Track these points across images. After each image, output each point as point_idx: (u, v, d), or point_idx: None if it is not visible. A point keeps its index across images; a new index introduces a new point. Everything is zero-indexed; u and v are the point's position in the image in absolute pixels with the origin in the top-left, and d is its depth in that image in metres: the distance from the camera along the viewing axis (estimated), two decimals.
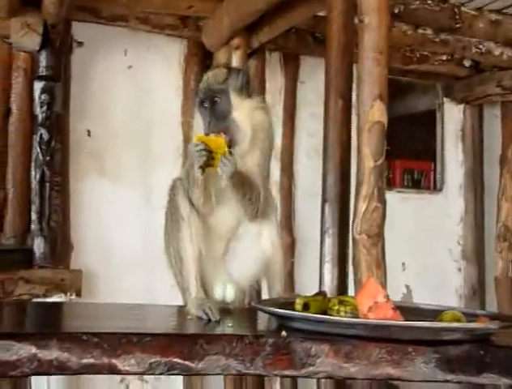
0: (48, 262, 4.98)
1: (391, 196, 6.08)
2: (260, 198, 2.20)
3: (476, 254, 6.57)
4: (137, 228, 5.31)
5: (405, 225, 6.07)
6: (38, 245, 5.00)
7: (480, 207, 6.63)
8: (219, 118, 2.12)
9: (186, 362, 1.71)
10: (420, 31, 5.80)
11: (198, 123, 2.21)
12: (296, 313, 1.85)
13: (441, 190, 6.61)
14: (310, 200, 5.17)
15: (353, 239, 3.33)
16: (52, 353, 1.65)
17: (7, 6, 4.75)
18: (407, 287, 6.25)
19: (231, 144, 2.09)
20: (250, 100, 2.21)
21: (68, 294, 4.87)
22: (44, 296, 4.75)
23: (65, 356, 1.66)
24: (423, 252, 6.27)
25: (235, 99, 2.16)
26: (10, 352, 1.63)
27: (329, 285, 3.52)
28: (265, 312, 1.95)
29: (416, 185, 6.61)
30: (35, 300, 4.66)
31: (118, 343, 1.69)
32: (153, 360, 1.70)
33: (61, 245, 5.11)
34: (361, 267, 3.26)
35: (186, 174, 2.15)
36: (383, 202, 3.36)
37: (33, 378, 4.21)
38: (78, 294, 4.94)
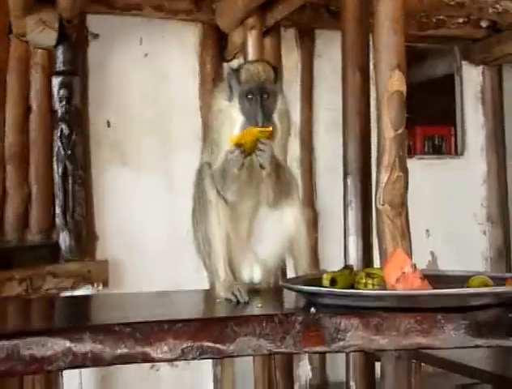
0: (74, 255, 5.04)
1: (412, 163, 6.03)
2: (285, 180, 2.22)
3: (501, 217, 6.52)
4: (160, 215, 5.35)
5: (428, 192, 6.05)
6: (63, 239, 5.06)
7: (502, 169, 6.57)
8: (264, 115, 2.13)
9: (217, 345, 1.73)
10: None
11: (229, 112, 2.19)
12: (322, 289, 1.87)
13: (462, 154, 6.57)
14: (331, 174, 5.18)
15: (376, 210, 3.32)
16: (86, 346, 1.68)
17: (22, 5, 4.76)
18: (433, 254, 6.23)
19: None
20: (283, 100, 2.26)
21: (95, 285, 4.93)
22: (72, 289, 4.81)
23: (98, 348, 1.69)
24: (447, 218, 6.24)
25: (280, 101, 2.21)
26: (45, 347, 1.66)
27: (354, 258, 3.52)
28: (292, 290, 1.96)
29: (437, 150, 6.58)
30: (63, 293, 4.72)
31: (150, 331, 1.71)
32: (185, 345, 1.72)
33: (86, 238, 5.16)
34: (386, 237, 3.24)
35: (221, 172, 2.16)
36: (405, 171, 3.34)
37: None
38: (106, 285, 5.00)
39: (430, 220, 6.13)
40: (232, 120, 2.18)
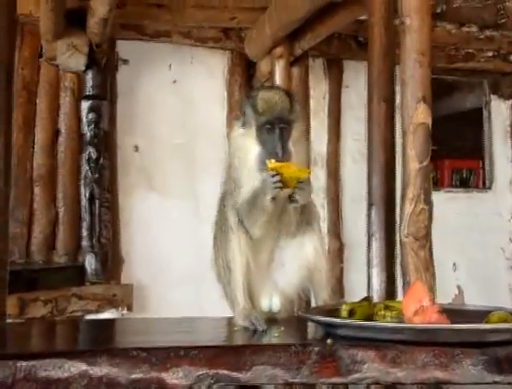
0: (99, 277, 5.08)
1: (440, 196, 6.07)
2: (307, 210, 2.22)
3: None
4: (186, 241, 5.37)
5: (455, 225, 6.02)
6: (89, 262, 5.11)
7: None
8: (282, 146, 2.12)
9: (233, 373, 1.73)
10: (465, 29, 5.76)
11: (246, 142, 2.19)
12: (339, 320, 1.86)
13: (490, 187, 6.53)
14: (357, 205, 5.17)
15: (400, 242, 3.31)
16: (102, 370, 1.69)
17: (53, 29, 4.86)
18: (459, 287, 6.17)
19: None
20: (300, 129, 2.24)
21: (120, 309, 4.95)
22: (97, 312, 4.83)
23: (114, 371, 1.70)
24: (474, 251, 6.19)
25: (294, 131, 2.19)
26: (62, 369, 1.67)
27: (377, 289, 3.50)
28: (310, 320, 1.96)
29: (465, 184, 6.55)
30: (87, 316, 4.74)
31: (166, 357, 1.72)
32: (200, 372, 1.72)
33: (111, 261, 5.21)
34: (409, 269, 3.22)
35: (250, 201, 2.14)
36: (430, 203, 3.33)
37: None
38: (130, 308, 5.02)
39: (457, 254, 6.09)
40: (249, 148, 2.17)
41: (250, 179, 2.16)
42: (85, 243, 5.16)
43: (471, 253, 6.21)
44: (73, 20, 4.86)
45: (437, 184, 6.30)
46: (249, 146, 2.17)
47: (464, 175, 6.57)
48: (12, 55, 2.48)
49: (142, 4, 5.19)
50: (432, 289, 3.32)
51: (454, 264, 6.18)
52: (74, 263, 5.14)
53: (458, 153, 6.59)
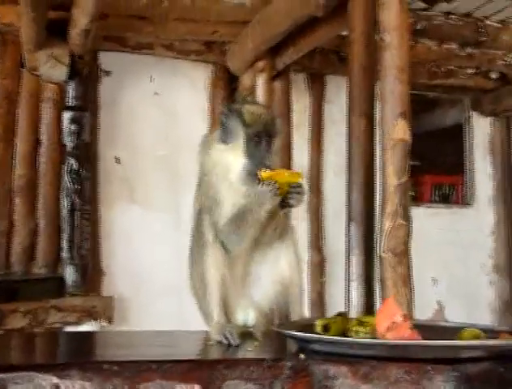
0: (79, 289, 5.06)
1: (421, 212, 6.10)
2: (280, 223, 2.23)
3: (509, 268, 6.50)
4: (167, 253, 5.36)
5: (435, 241, 6.05)
6: (69, 274, 5.09)
7: (510, 220, 6.56)
8: (268, 156, 2.15)
9: (205, 388, 1.73)
10: (445, 46, 5.80)
11: (229, 152, 2.18)
12: (312, 335, 1.86)
13: (471, 203, 6.58)
14: (339, 218, 5.16)
15: (379, 257, 3.33)
16: (73, 384, 1.68)
17: (35, 39, 4.85)
18: (439, 303, 6.20)
19: None
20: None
21: (100, 321, 4.92)
22: (77, 324, 4.81)
23: (86, 385, 1.69)
24: (454, 267, 6.23)
25: (276, 143, 2.22)
26: (33, 383, 1.66)
27: (356, 304, 3.52)
28: (284, 335, 1.96)
29: (446, 199, 6.58)
30: (67, 328, 4.71)
31: (138, 370, 1.71)
32: (173, 386, 1.71)
33: (92, 273, 5.19)
34: (387, 284, 3.25)
35: (241, 215, 2.13)
36: (408, 219, 3.36)
37: None
38: (110, 321, 4.99)
39: (437, 269, 6.13)
40: (232, 163, 2.17)
41: (233, 194, 2.16)
42: (65, 255, 5.13)
43: (451, 268, 6.24)
44: (55, 31, 4.85)
45: (418, 199, 6.32)
46: (233, 160, 2.17)
47: (445, 191, 6.60)
48: None
49: (125, 16, 5.19)
50: (410, 304, 3.35)
51: (435, 279, 6.20)
52: (54, 275, 5.12)
53: (439, 169, 6.63)
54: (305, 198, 2.19)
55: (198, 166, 2.36)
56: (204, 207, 2.22)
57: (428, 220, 6.05)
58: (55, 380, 1.67)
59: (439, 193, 6.57)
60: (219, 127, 2.23)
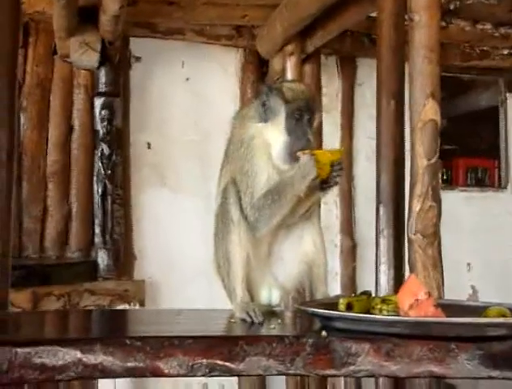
0: (111, 273, 5.11)
1: (454, 195, 6.04)
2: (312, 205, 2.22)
3: None
4: (198, 237, 5.36)
5: (469, 225, 5.98)
6: (102, 258, 5.15)
7: None
8: (309, 134, 2.14)
9: (227, 364, 1.74)
10: (479, 26, 5.71)
11: (268, 131, 2.18)
12: (334, 312, 1.86)
13: (505, 187, 6.48)
14: (370, 203, 5.13)
15: (408, 239, 3.30)
16: (96, 357, 1.70)
17: (66, 27, 4.88)
18: (473, 287, 6.13)
19: None
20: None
21: (132, 304, 4.97)
22: (109, 307, 4.86)
23: (109, 360, 1.71)
24: (488, 251, 6.14)
25: (316, 122, 2.21)
26: (56, 357, 1.68)
27: (385, 287, 3.49)
28: (306, 313, 1.96)
29: (480, 183, 6.49)
30: None
31: (160, 346, 1.73)
32: (194, 362, 1.73)
33: (124, 257, 5.24)
34: (417, 267, 3.22)
35: (276, 191, 2.12)
36: (438, 201, 3.32)
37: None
38: (142, 304, 5.04)
39: (471, 253, 6.05)
40: (269, 142, 2.16)
41: (270, 171, 2.15)
42: (98, 239, 5.19)
43: (485, 253, 6.16)
44: (85, 17, 4.88)
45: (452, 183, 6.26)
46: (272, 136, 2.16)
47: (479, 174, 6.52)
48: (16, 51, 2.50)
49: (154, 1, 5.20)
50: (440, 287, 3.32)
51: (469, 264, 6.14)
52: (87, 259, 5.18)
53: (473, 152, 6.54)
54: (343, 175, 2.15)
55: (228, 141, 2.34)
56: (232, 184, 2.21)
57: (462, 204, 5.99)
58: (78, 354, 1.70)
59: (474, 176, 6.49)
60: (258, 105, 2.20)
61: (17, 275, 4.03)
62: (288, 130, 2.15)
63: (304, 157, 2.06)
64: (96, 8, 4.78)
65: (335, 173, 2.10)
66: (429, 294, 1.84)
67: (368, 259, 5.51)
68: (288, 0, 4.93)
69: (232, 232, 2.16)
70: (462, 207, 5.92)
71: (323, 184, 2.11)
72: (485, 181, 6.53)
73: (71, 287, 4.81)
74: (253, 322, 2.03)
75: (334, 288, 5.67)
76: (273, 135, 2.16)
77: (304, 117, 2.15)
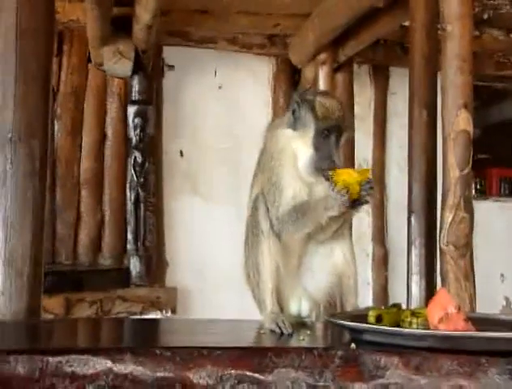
0: (144, 280, 5.15)
1: (488, 205, 5.98)
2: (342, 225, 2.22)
3: None
4: (229, 245, 5.36)
5: (503, 235, 5.91)
6: (134, 265, 5.19)
7: None
8: (336, 153, 2.13)
9: (256, 375, 1.74)
10: None
11: (298, 141, 2.17)
12: (363, 325, 1.85)
13: None
14: (402, 212, 5.11)
15: (440, 250, 3.28)
16: (126, 367, 1.71)
17: (100, 35, 4.94)
18: (507, 299, 6.06)
19: None
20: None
21: (164, 311, 5.00)
22: (141, 314, 4.89)
23: (139, 369, 1.72)
24: None
25: (345, 139, 2.20)
26: (87, 366, 1.70)
27: (416, 297, 3.47)
28: (335, 325, 1.96)
29: None
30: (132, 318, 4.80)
31: (190, 356, 1.73)
32: (223, 372, 1.73)
33: (156, 264, 5.27)
34: (449, 278, 3.20)
35: (302, 209, 2.12)
36: (471, 212, 3.29)
37: None
38: (174, 311, 5.07)
39: (505, 264, 5.98)
40: (298, 151, 2.16)
41: (295, 183, 2.15)
42: (130, 246, 5.24)
43: None
44: (119, 27, 4.94)
45: (486, 193, 6.21)
46: (300, 148, 2.16)
47: None
48: (50, 60, 2.54)
49: (187, 11, 5.25)
50: (472, 299, 3.29)
51: (502, 275, 6.06)
52: (120, 266, 5.23)
53: (507, 162, 6.48)
54: (375, 192, 2.15)
55: (260, 151, 2.35)
56: (262, 194, 2.21)
57: (496, 214, 5.92)
58: (109, 364, 1.71)
59: (507, 186, 6.42)
60: (290, 113, 2.20)
61: (50, 281, 4.06)
62: (315, 146, 2.14)
63: (333, 192, 2.05)
64: (129, 17, 4.84)
65: (365, 192, 2.07)
66: (459, 308, 1.83)
67: (400, 269, 5.48)
68: (320, 9, 4.94)
69: (262, 243, 2.16)
70: (495, 217, 5.86)
71: (354, 203, 2.09)
72: None
73: (103, 293, 4.85)
74: (282, 334, 2.02)
75: (367, 298, 5.65)
76: (300, 147, 2.16)
77: (332, 135, 2.14)
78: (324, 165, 2.10)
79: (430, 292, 3.56)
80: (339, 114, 2.17)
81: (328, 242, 2.23)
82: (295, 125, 2.17)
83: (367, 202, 2.10)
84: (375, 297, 5.78)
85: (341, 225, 2.23)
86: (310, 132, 2.14)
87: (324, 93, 2.53)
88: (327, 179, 2.06)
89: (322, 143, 2.13)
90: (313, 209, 2.10)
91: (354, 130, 5.40)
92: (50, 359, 1.69)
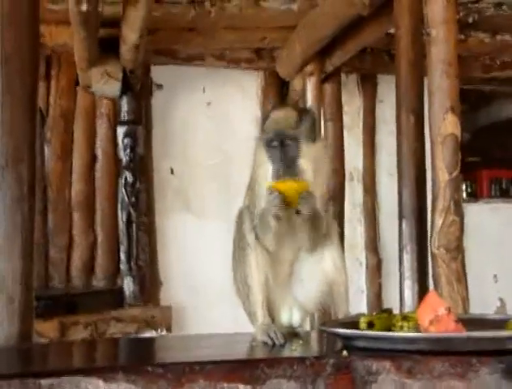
0: (138, 300, 5.15)
1: (479, 207, 5.99)
2: (323, 226, 2.22)
3: None
4: (222, 260, 5.37)
5: (495, 236, 5.92)
6: (128, 285, 5.18)
7: None
8: (288, 162, 2.14)
9: (248, 387, 1.74)
10: (499, 37, 5.70)
11: (261, 159, 2.22)
12: (354, 331, 1.85)
13: None
14: (394, 219, 5.13)
15: (432, 254, 3.29)
16: (119, 386, 1.71)
17: (87, 57, 4.96)
18: (501, 299, 6.06)
19: None
20: (315, 145, 2.22)
21: (159, 330, 4.99)
22: (136, 333, 4.89)
23: (131, 388, 1.72)
24: None
25: (304, 146, 2.17)
26: (79, 387, 1.70)
27: (409, 302, 3.47)
28: (327, 333, 1.96)
29: (505, 194, 6.43)
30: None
31: (182, 372, 1.73)
32: (216, 386, 1.73)
33: (150, 283, 5.27)
34: (441, 281, 3.20)
35: (260, 219, 2.18)
36: (461, 215, 3.30)
37: None
38: (169, 329, 5.07)
39: (498, 265, 5.99)
40: (263, 165, 2.20)
41: (263, 195, 2.18)
42: (123, 266, 5.24)
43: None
44: (106, 48, 4.96)
45: (477, 195, 6.22)
46: (264, 163, 2.20)
47: (503, 185, 6.46)
48: (36, 84, 2.54)
49: (174, 29, 5.27)
50: (465, 302, 3.30)
51: (495, 276, 6.07)
52: (113, 287, 5.23)
53: (497, 163, 6.50)
54: (315, 206, 2.14)
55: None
56: (247, 208, 2.26)
57: (487, 216, 5.94)
58: (101, 383, 1.71)
59: (498, 188, 6.44)
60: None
61: (43, 306, 4.07)
62: (270, 158, 2.16)
63: (268, 196, 2.11)
64: (116, 38, 4.86)
65: (301, 202, 2.10)
66: (449, 309, 1.83)
67: (393, 276, 5.48)
68: (305, 20, 4.97)
69: (249, 255, 2.18)
70: (487, 219, 5.88)
71: (297, 212, 2.13)
72: (510, 192, 6.48)
73: (98, 315, 4.85)
74: (274, 344, 2.03)
75: (361, 306, 5.65)
76: (264, 163, 2.20)
77: (277, 146, 2.14)
78: (275, 176, 2.12)
79: (423, 296, 3.56)
80: (282, 123, 2.17)
81: (318, 251, 2.23)
82: (260, 142, 2.23)
83: (303, 212, 2.11)
84: (369, 305, 5.78)
85: (328, 232, 2.24)
86: (263, 146, 2.18)
87: (280, 106, 2.57)
88: (267, 189, 2.12)
89: (272, 155, 2.15)
90: (264, 215, 2.15)
91: (341, 138, 5.44)
92: (42, 382, 1.68)
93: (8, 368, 1.97)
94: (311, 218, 2.14)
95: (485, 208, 6.09)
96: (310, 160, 2.17)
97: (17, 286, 2.36)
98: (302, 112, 2.25)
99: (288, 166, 2.12)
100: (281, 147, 2.14)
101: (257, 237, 2.18)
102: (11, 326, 2.34)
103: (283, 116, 2.21)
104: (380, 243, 5.91)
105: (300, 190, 2.11)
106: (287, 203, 2.11)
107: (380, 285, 5.77)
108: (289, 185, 2.11)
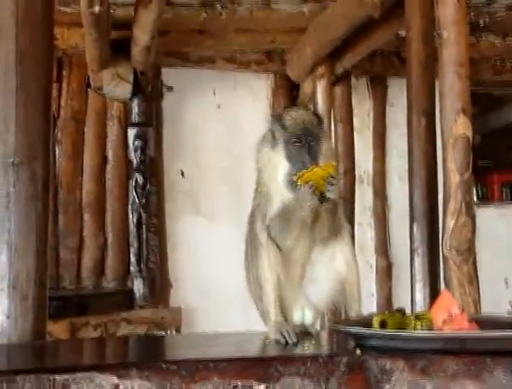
0: (148, 301, 5.15)
1: (490, 211, 5.98)
2: (334, 223, 2.23)
3: None
4: (232, 263, 5.37)
5: (506, 240, 5.89)
6: (138, 287, 5.19)
7: None
8: (311, 158, 2.16)
9: (262, 385, 1.74)
10: (509, 40, 5.70)
11: (276, 158, 2.21)
12: (367, 330, 1.85)
13: None
14: (405, 222, 5.13)
15: (443, 256, 3.28)
16: (133, 382, 1.72)
17: (98, 59, 4.98)
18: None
19: None
20: (329, 144, 2.31)
21: (168, 332, 5.00)
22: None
23: (145, 384, 1.72)
24: None
25: (324, 145, 2.23)
26: (94, 383, 1.70)
27: (421, 304, 3.47)
28: (339, 332, 1.96)
29: None
30: None
31: (195, 369, 1.73)
32: (230, 384, 1.73)
33: (159, 285, 5.28)
34: (453, 283, 3.20)
35: (285, 215, 2.17)
36: (472, 216, 3.30)
37: None
38: (178, 331, 5.08)
39: (509, 269, 5.96)
40: (278, 167, 2.20)
41: (279, 194, 2.19)
42: (133, 268, 5.25)
43: None
44: (118, 50, 4.97)
45: (487, 199, 6.21)
46: (278, 163, 2.20)
47: None
48: (50, 85, 2.56)
49: (185, 31, 5.29)
50: (477, 303, 3.29)
51: (506, 280, 6.05)
52: (123, 288, 5.23)
53: (508, 167, 6.48)
54: (338, 187, 2.16)
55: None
56: (258, 208, 2.26)
57: (498, 220, 5.91)
58: (115, 380, 1.71)
59: (509, 191, 6.42)
60: (267, 133, 2.26)
61: (54, 306, 4.07)
62: (288, 158, 2.17)
63: (302, 189, 2.11)
64: (127, 40, 4.87)
65: (328, 188, 2.11)
66: (463, 309, 1.83)
67: (404, 279, 5.48)
68: (316, 22, 4.97)
69: (261, 255, 2.19)
70: (498, 223, 5.86)
71: (323, 197, 2.13)
72: None
73: (108, 316, 4.86)
74: (287, 343, 2.03)
75: (371, 310, 5.63)
76: (278, 160, 2.20)
77: (303, 144, 2.17)
78: (299, 168, 2.14)
79: (434, 298, 3.54)
80: (307, 121, 2.20)
81: (329, 250, 2.24)
82: (271, 142, 2.22)
83: (329, 198, 2.12)
84: (379, 308, 5.76)
85: (340, 231, 2.25)
86: (282, 144, 2.18)
87: (296, 107, 2.59)
88: (294, 182, 2.12)
89: (295, 153, 2.16)
90: (292, 212, 2.15)
91: (351, 141, 5.45)
92: (57, 377, 1.69)
93: (23, 364, 1.97)
94: (331, 216, 2.15)
95: (496, 212, 6.07)
96: (328, 158, 2.20)
97: (31, 283, 2.37)
98: (317, 114, 2.30)
99: (312, 161, 2.14)
100: (306, 143, 2.17)
101: (269, 237, 2.19)
102: (25, 323, 2.34)
103: (305, 114, 2.23)
104: (390, 246, 5.89)
105: (327, 173, 2.11)
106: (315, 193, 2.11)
107: (390, 289, 5.76)
108: (315, 171, 2.11)
